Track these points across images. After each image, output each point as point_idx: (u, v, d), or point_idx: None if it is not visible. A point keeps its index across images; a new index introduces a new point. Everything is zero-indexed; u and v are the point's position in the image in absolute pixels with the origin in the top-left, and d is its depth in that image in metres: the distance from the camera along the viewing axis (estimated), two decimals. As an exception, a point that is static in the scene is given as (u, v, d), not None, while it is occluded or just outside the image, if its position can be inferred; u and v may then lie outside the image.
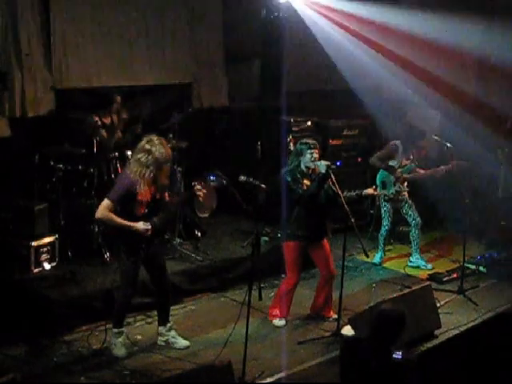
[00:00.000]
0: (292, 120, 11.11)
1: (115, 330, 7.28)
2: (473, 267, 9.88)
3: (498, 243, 10.54)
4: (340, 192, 7.69)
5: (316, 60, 12.78)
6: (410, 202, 9.90)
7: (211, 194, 10.37)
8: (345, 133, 11.55)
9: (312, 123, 11.29)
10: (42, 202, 8.69)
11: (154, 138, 7.00)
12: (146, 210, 7.01)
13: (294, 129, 11.00)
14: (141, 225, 6.93)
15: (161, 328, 7.52)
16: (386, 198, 9.79)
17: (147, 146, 6.90)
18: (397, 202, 9.87)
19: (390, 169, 9.77)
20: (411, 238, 10.04)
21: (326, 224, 8.13)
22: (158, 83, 10.89)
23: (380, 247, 10.10)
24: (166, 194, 7.31)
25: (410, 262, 10.03)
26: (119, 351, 7.23)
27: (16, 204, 8.58)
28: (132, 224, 6.90)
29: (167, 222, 7.33)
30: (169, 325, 7.52)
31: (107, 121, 9.60)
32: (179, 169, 9.54)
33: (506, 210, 10.77)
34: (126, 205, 6.91)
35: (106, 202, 6.86)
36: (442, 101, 12.36)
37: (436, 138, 10.02)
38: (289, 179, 7.79)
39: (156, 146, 6.90)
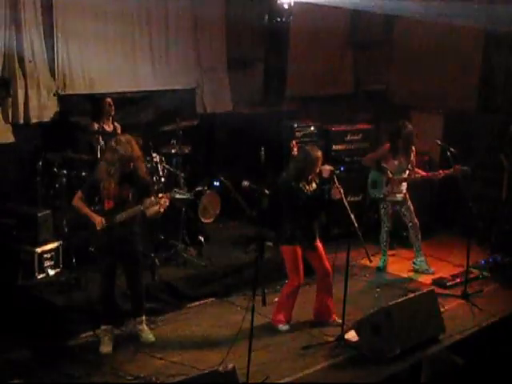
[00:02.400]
0: (295, 125, 11.12)
1: (103, 327, 7.45)
2: (476, 272, 9.86)
3: (501, 247, 10.52)
4: (344, 197, 7.73)
5: (319, 65, 12.82)
6: (408, 203, 9.82)
7: (214, 200, 10.37)
8: (348, 138, 11.54)
9: (315, 128, 11.29)
10: (45, 208, 8.70)
11: (122, 137, 7.40)
12: (113, 206, 7.32)
13: (297, 134, 11.00)
14: (97, 218, 7.27)
15: (135, 319, 7.71)
16: (375, 198, 9.82)
17: (113, 145, 7.27)
18: (396, 203, 9.81)
19: (382, 169, 9.65)
20: (410, 240, 10.02)
21: (318, 227, 8.17)
22: (161, 89, 10.90)
23: (382, 251, 10.04)
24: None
25: (414, 264, 10.02)
26: (104, 348, 7.37)
27: (19, 210, 8.59)
28: (91, 214, 7.33)
29: (131, 220, 7.37)
30: (140, 318, 7.67)
31: (109, 128, 9.60)
32: (182, 174, 9.54)
33: (509, 214, 10.76)
34: (90, 195, 7.44)
35: (78, 192, 7.47)
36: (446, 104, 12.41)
37: (439, 142, 10.00)
38: (293, 184, 7.81)
39: (121, 145, 7.22)
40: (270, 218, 9.39)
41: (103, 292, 7.49)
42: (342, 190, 7.72)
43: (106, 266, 7.42)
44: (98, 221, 7.24)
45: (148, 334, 7.67)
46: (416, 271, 9.95)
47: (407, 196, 9.82)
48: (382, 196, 9.72)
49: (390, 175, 9.61)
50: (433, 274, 9.86)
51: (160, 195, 7.25)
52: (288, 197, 7.89)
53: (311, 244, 8.05)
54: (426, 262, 10.02)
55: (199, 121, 10.46)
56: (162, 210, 7.27)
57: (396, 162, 9.66)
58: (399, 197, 9.75)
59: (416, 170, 9.85)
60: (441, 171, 9.67)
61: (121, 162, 7.22)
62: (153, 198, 7.18)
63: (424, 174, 9.86)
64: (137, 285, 7.62)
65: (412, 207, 9.84)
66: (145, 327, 7.71)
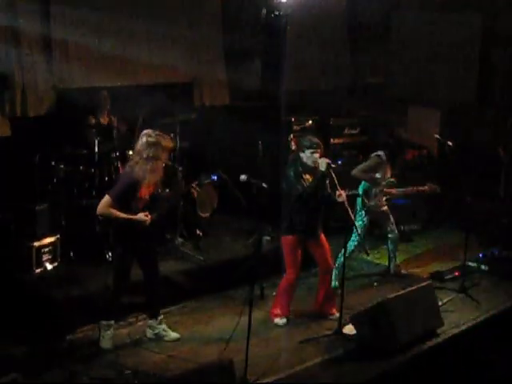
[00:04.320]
0: (293, 119, 11.10)
1: (104, 323, 7.36)
2: (474, 265, 9.87)
3: (499, 241, 10.53)
4: (341, 190, 7.72)
5: (317, 58, 12.82)
6: (389, 215, 9.42)
7: (212, 194, 10.37)
8: (346, 131, 11.55)
9: (313, 122, 11.28)
10: (43, 202, 8.69)
11: (150, 131, 7.17)
12: (142, 206, 7.14)
13: (295, 128, 11.00)
14: (140, 215, 7.05)
15: (151, 321, 7.62)
16: (365, 208, 9.19)
17: (151, 140, 7.04)
18: (378, 214, 9.33)
19: (374, 181, 9.21)
20: (388, 249, 9.60)
21: (321, 220, 8.12)
22: (159, 82, 10.89)
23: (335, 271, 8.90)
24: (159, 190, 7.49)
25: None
26: (106, 344, 7.34)
27: (17, 205, 8.58)
28: (132, 216, 7.03)
29: (162, 215, 7.42)
30: (159, 318, 7.61)
31: (105, 121, 9.59)
32: (180, 168, 9.54)
33: (507, 207, 10.77)
34: (125, 201, 7.03)
35: (106, 199, 7.01)
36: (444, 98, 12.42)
37: (437, 136, 9.99)
38: (291, 174, 7.81)
39: (159, 138, 7.08)
40: (269, 211, 9.39)
41: (115, 288, 7.37)
42: (344, 194, 7.70)
43: (124, 263, 7.29)
44: (145, 218, 7.05)
45: (172, 332, 7.64)
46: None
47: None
48: (373, 206, 9.23)
49: (383, 186, 9.23)
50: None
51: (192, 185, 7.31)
52: (287, 188, 7.87)
53: (313, 235, 8.04)
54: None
55: (197, 114, 10.46)
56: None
57: (385, 173, 9.27)
58: (385, 209, 9.38)
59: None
60: (415, 188, 9.35)
61: (166, 155, 7.17)
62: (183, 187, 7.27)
63: (397, 190, 9.40)
64: (156, 280, 7.56)
65: (392, 219, 9.46)
66: (166, 327, 7.67)
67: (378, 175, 9.18)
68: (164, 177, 7.48)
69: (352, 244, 9.03)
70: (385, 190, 9.25)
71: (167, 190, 7.58)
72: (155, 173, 7.09)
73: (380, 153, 9.25)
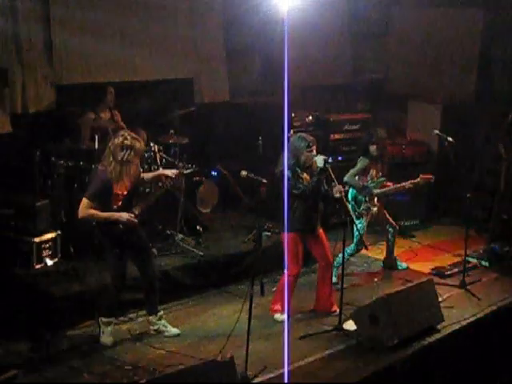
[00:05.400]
0: (293, 115, 11.09)
1: (104, 320, 7.37)
2: (475, 261, 9.87)
3: (500, 237, 10.53)
4: (338, 185, 7.72)
5: (317, 54, 12.80)
6: (385, 213, 9.45)
7: (212, 189, 10.38)
8: (346, 127, 11.51)
9: (313, 118, 11.27)
10: (43, 198, 8.68)
11: (126, 133, 7.16)
12: (121, 203, 7.17)
13: (295, 124, 10.98)
14: (124, 214, 7.09)
15: (151, 317, 7.62)
16: (356, 213, 9.07)
17: (127, 143, 7.02)
18: (373, 216, 9.24)
19: (365, 185, 9.12)
20: (387, 241, 9.62)
21: (320, 216, 8.11)
22: (159, 78, 10.88)
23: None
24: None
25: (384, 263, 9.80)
26: (106, 340, 7.35)
27: (17, 200, 8.57)
28: (116, 214, 7.09)
29: (146, 211, 7.44)
30: (159, 314, 7.62)
31: (105, 116, 9.57)
32: (180, 164, 9.53)
33: (507, 203, 10.75)
34: (102, 199, 7.06)
35: (84, 201, 7.05)
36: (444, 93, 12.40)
37: (437, 132, 9.97)
38: (290, 176, 7.79)
39: (135, 142, 7.07)
40: (269, 207, 9.39)
41: (114, 286, 7.38)
42: (342, 189, 7.69)
43: (117, 260, 7.30)
44: (127, 216, 7.07)
45: (173, 328, 7.65)
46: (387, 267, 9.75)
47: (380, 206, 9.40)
48: (366, 209, 9.16)
49: (374, 188, 9.18)
50: (406, 268, 9.70)
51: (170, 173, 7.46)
52: (287, 186, 7.86)
53: (312, 232, 8.04)
54: (398, 259, 9.77)
55: (196, 108, 10.46)
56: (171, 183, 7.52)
57: (374, 174, 9.27)
58: (376, 209, 9.31)
59: (385, 183, 9.41)
60: (409, 182, 9.26)
61: (139, 158, 7.19)
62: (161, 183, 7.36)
63: (392, 186, 9.38)
64: (151, 274, 7.52)
65: (387, 214, 9.49)
66: (167, 322, 7.67)
67: (368, 178, 9.18)
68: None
69: (350, 252, 9.04)
70: (376, 190, 9.19)
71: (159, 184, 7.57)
72: (127, 176, 7.09)
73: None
